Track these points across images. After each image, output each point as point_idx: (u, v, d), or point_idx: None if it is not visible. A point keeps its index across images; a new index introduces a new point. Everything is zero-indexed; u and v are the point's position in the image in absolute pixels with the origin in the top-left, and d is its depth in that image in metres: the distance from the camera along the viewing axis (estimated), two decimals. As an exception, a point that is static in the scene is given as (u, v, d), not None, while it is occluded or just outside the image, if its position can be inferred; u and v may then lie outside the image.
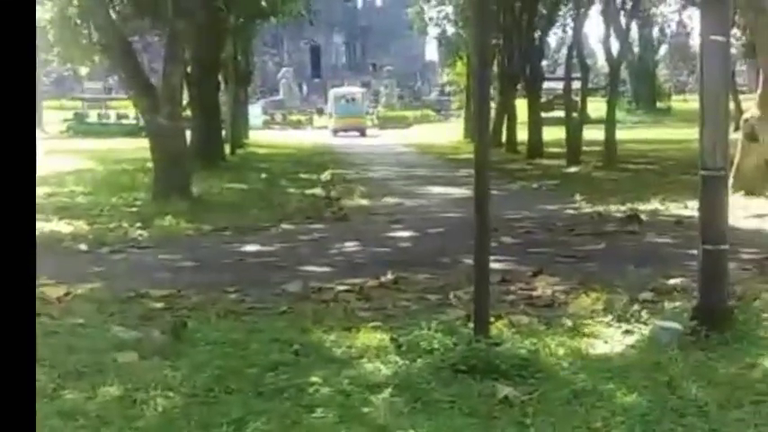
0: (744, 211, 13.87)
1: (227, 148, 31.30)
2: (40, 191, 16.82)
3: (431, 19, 50.00)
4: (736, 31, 41.65)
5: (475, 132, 7.21)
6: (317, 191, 19.49)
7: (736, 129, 17.32)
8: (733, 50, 47.76)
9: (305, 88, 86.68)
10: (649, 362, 6.09)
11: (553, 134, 30.32)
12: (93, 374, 5.82)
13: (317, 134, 55.47)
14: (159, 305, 8.10)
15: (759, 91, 16.84)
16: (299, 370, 5.91)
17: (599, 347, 6.55)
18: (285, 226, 13.99)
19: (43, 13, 24.71)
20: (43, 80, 56.23)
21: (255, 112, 61.40)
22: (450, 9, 43.04)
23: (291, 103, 78.27)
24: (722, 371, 5.90)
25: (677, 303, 7.60)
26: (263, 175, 23.36)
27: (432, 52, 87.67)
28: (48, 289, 8.36)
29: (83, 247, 11.84)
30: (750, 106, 17.21)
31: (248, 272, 10.06)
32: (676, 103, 62.50)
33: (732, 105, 30.99)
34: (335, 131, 55.03)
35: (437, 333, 6.44)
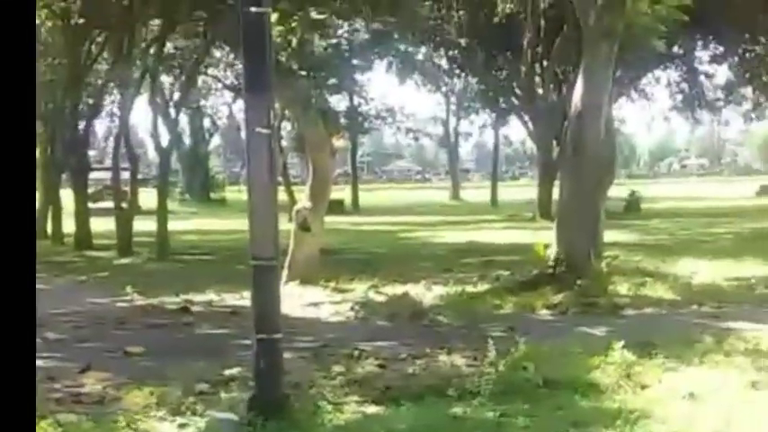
0: (300, 300, 14.38)
1: None
2: None
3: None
4: (285, 124, 43.65)
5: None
6: None
7: (291, 219, 17.98)
8: (284, 143, 49.92)
9: None
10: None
11: (104, 225, 29.90)
12: None
13: None
14: None
15: (309, 182, 17.65)
16: None
17: (153, 443, 6.46)
18: None
19: None
20: None
21: None
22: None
23: None
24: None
25: (234, 394, 7.71)
26: None
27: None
28: None
29: None
30: (302, 197, 17.96)
31: None
32: (231, 193, 64.04)
33: (286, 196, 32.33)
34: None
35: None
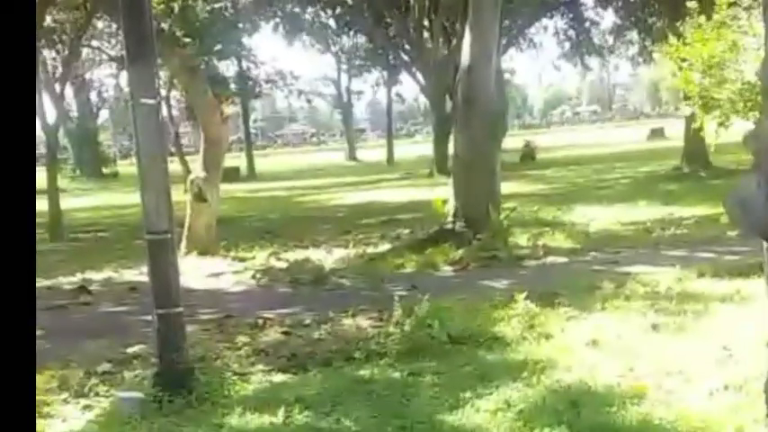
0: (200, 271, 14.28)
1: None
2: None
3: None
4: (176, 93, 43.09)
5: None
6: None
7: (187, 190, 17.78)
8: (176, 112, 49.22)
9: None
10: (113, 435, 6.03)
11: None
12: None
13: None
14: None
15: (202, 151, 17.45)
16: None
17: (58, 427, 6.38)
18: None
19: None
20: None
21: None
22: None
23: None
24: (189, 435, 5.99)
25: (138, 372, 7.63)
26: None
27: None
28: None
29: None
30: (196, 167, 17.77)
31: None
32: (123, 167, 63.00)
33: (180, 167, 31.95)
34: None
35: None
